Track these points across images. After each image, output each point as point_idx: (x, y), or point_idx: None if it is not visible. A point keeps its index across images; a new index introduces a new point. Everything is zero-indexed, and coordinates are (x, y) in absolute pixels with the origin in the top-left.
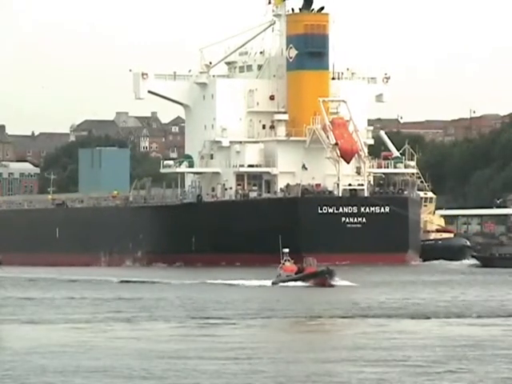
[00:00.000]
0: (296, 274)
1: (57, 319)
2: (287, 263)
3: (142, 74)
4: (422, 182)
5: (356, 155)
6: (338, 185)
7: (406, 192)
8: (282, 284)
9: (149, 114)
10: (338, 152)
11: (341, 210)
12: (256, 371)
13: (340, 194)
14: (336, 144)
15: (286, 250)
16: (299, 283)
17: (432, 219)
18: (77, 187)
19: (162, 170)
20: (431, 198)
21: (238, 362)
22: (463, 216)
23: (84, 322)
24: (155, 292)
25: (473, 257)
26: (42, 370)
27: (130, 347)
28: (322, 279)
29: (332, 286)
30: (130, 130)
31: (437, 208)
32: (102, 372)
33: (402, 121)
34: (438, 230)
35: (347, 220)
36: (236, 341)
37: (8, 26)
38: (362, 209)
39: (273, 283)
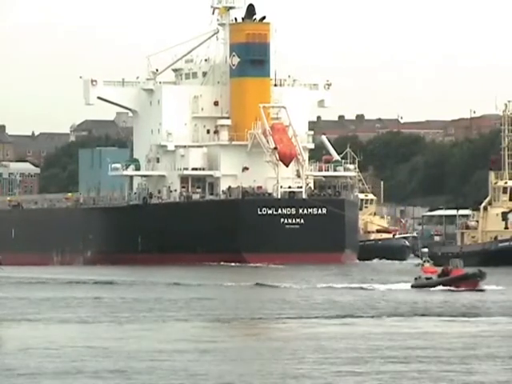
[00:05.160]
0: (439, 276)
1: None
2: (427, 264)
3: (92, 81)
4: (363, 184)
5: (295, 159)
6: (277, 187)
7: (343, 194)
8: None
9: None
10: (277, 156)
11: (280, 211)
12: None
13: (279, 196)
14: (275, 148)
15: (426, 250)
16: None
17: (372, 220)
18: (77, 187)
19: (110, 173)
20: (372, 200)
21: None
22: (463, 216)
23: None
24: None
25: (416, 256)
26: None
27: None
28: (473, 282)
29: (482, 290)
30: (130, 130)
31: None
32: None
33: (402, 121)
34: (378, 231)
35: (286, 221)
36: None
37: (8, 25)
38: (300, 210)
39: (412, 286)
